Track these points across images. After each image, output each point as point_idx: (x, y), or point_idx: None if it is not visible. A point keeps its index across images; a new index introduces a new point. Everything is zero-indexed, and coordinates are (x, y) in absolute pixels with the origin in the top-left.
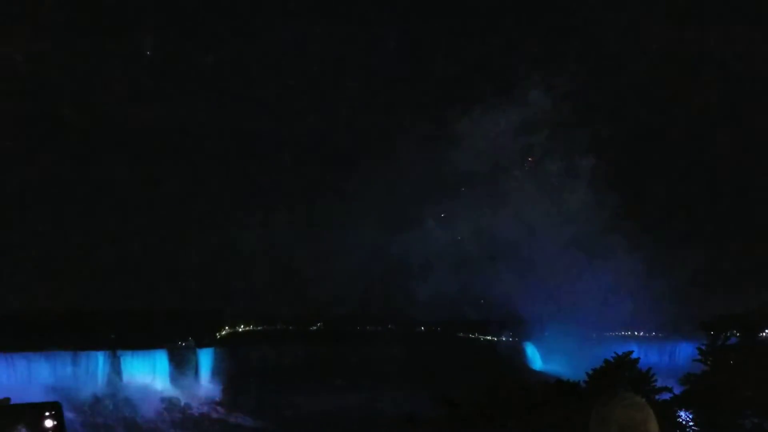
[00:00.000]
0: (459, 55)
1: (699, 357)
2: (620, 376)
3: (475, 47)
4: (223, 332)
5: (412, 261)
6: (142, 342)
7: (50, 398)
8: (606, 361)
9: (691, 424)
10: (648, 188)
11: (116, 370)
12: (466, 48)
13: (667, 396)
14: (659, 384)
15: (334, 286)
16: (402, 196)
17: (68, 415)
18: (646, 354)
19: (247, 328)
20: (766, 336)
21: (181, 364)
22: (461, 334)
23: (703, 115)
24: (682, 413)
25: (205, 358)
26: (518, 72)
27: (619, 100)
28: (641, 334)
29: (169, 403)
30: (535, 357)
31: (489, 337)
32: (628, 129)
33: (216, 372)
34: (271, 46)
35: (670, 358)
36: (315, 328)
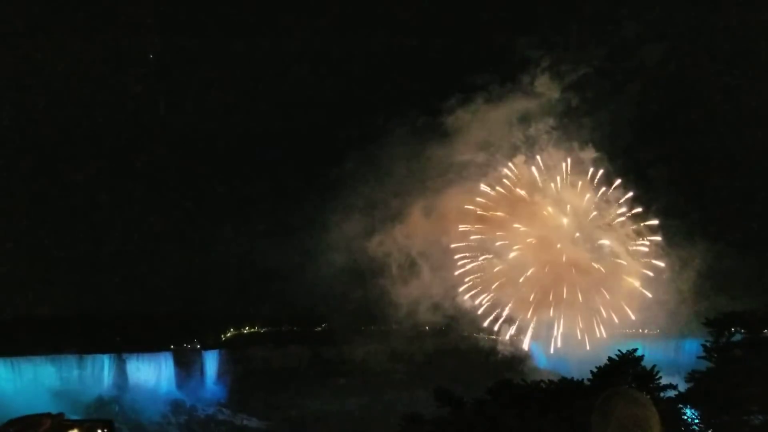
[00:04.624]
0: (461, 41)
1: (704, 354)
2: (624, 373)
3: (480, 33)
4: (228, 334)
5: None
6: (148, 344)
7: (55, 402)
8: (610, 359)
9: (696, 421)
10: (654, 184)
11: (122, 372)
12: (469, 35)
13: (671, 393)
14: (664, 381)
15: (330, 286)
16: (389, 191)
17: (74, 418)
18: (651, 351)
19: (252, 330)
20: None
21: (187, 366)
22: (466, 334)
23: (711, 110)
24: (688, 411)
25: (211, 360)
26: (525, 58)
27: (625, 93)
28: (646, 331)
29: (175, 405)
30: (539, 355)
31: (492, 336)
32: (634, 122)
33: (221, 374)
34: (258, 43)
35: (675, 355)
36: (319, 329)
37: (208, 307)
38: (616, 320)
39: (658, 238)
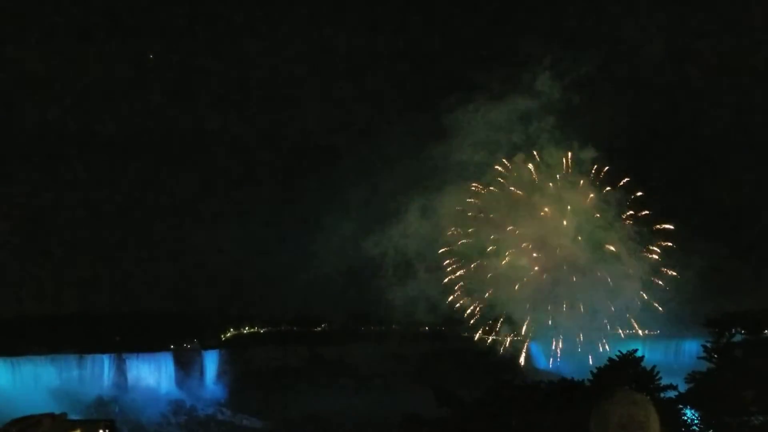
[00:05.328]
0: (462, 40)
1: (704, 355)
2: (624, 374)
3: (481, 32)
4: (228, 334)
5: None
6: (148, 344)
7: (55, 401)
8: (610, 359)
9: (696, 422)
10: (654, 186)
11: (122, 372)
12: (470, 34)
13: (671, 394)
14: (664, 381)
15: (329, 287)
16: (385, 190)
17: (74, 417)
18: (651, 352)
19: (252, 330)
20: None
21: (187, 366)
22: (465, 334)
23: (712, 112)
24: (687, 411)
25: (211, 360)
26: (526, 57)
27: (628, 92)
28: (646, 332)
29: (175, 405)
30: (539, 356)
31: (493, 336)
32: (636, 122)
33: (221, 374)
34: (258, 42)
35: (676, 355)
36: (319, 329)
37: (208, 307)
38: (616, 320)
39: (659, 240)
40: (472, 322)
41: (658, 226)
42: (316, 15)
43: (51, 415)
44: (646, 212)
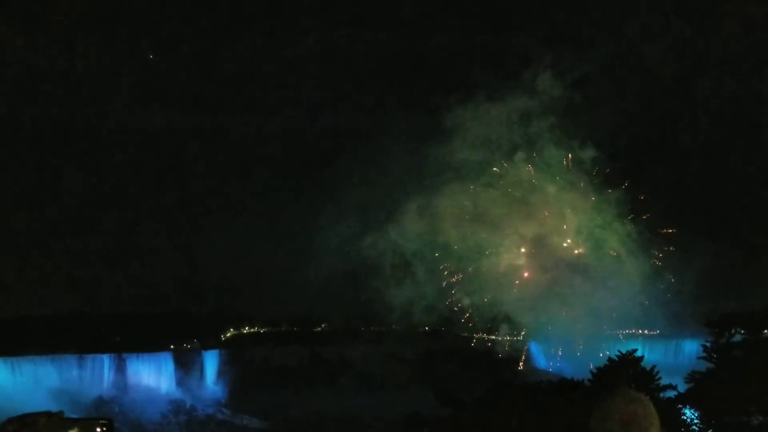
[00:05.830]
0: (462, 38)
1: (704, 355)
2: (624, 374)
3: (481, 30)
4: (228, 334)
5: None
6: (148, 344)
7: (55, 402)
8: (610, 359)
9: (696, 422)
10: (654, 185)
11: (122, 372)
12: (469, 32)
13: (671, 394)
14: (664, 381)
15: (328, 287)
16: (384, 191)
17: (73, 417)
18: (651, 352)
19: (252, 330)
20: None
21: (187, 366)
22: (465, 334)
23: (713, 111)
24: (687, 411)
25: (211, 360)
26: (526, 57)
27: (629, 92)
28: (646, 332)
29: (175, 405)
30: (539, 356)
31: (493, 337)
32: (637, 122)
33: (221, 374)
34: (254, 40)
35: (675, 355)
36: (319, 329)
37: (208, 307)
38: (616, 320)
39: (659, 241)
40: (471, 323)
41: (660, 230)
42: (315, 14)
43: (47, 414)
44: (647, 213)
